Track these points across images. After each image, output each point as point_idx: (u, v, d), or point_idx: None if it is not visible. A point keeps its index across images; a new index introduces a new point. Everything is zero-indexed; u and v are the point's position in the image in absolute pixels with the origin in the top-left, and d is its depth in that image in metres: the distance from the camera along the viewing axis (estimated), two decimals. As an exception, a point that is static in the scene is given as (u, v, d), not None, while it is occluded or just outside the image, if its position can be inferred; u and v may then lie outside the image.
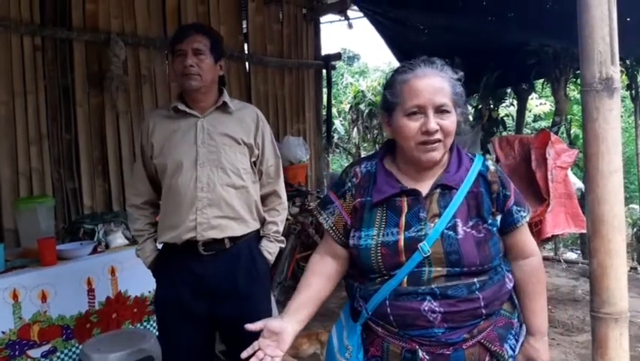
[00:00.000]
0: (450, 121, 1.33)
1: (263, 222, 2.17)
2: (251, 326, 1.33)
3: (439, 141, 1.32)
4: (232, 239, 2.02)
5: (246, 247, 2.07)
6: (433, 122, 1.30)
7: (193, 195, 1.97)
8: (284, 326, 1.35)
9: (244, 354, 1.30)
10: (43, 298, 2.65)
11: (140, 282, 3.00)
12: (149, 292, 3.08)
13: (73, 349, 2.74)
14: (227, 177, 2.00)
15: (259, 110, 2.20)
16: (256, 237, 2.14)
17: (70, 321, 2.74)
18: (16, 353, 2.53)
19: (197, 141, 2.00)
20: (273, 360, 1.29)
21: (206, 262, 2.00)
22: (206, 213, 1.98)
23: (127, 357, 2.34)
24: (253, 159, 2.10)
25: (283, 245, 2.24)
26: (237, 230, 2.03)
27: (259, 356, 1.29)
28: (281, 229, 2.21)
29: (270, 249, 2.15)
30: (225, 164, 2.00)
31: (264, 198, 2.18)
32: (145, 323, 3.10)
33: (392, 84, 1.38)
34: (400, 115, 1.34)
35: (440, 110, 1.32)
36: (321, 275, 1.47)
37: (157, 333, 2.70)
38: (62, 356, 2.71)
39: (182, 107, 2.02)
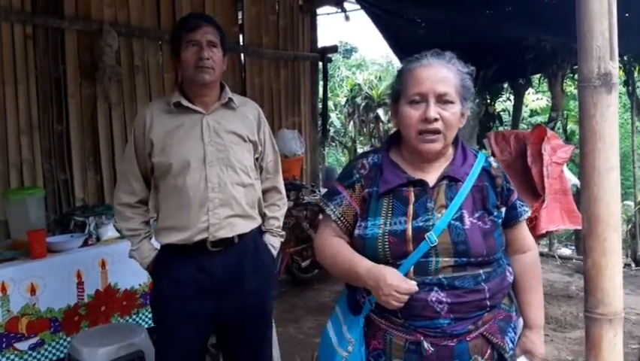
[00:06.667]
0: (452, 112, 1.34)
1: (263, 216, 2.16)
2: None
3: (438, 132, 1.33)
4: (240, 235, 2.00)
5: (251, 241, 2.05)
6: (433, 110, 1.32)
7: (203, 196, 1.92)
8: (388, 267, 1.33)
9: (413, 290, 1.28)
10: (32, 290, 2.62)
11: (131, 275, 2.98)
12: (139, 285, 3.07)
13: (61, 341, 2.72)
14: (236, 176, 1.97)
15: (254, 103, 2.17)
16: (259, 230, 2.13)
17: (59, 314, 2.71)
18: (3, 345, 2.51)
19: (204, 139, 1.93)
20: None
21: (214, 258, 1.95)
22: (218, 213, 1.93)
23: (117, 351, 2.32)
24: (256, 156, 2.08)
25: (283, 239, 2.27)
26: (245, 227, 2.01)
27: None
28: (282, 223, 2.23)
29: (275, 243, 2.17)
30: (234, 162, 1.96)
31: (264, 194, 2.16)
32: (134, 316, 3.07)
33: (400, 73, 1.42)
34: (403, 103, 1.37)
35: (442, 100, 1.33)
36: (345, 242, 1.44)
37: (147, 327, 2.69)
38: (50, 348, 2.68)
39: (185, 102, 1.94)
